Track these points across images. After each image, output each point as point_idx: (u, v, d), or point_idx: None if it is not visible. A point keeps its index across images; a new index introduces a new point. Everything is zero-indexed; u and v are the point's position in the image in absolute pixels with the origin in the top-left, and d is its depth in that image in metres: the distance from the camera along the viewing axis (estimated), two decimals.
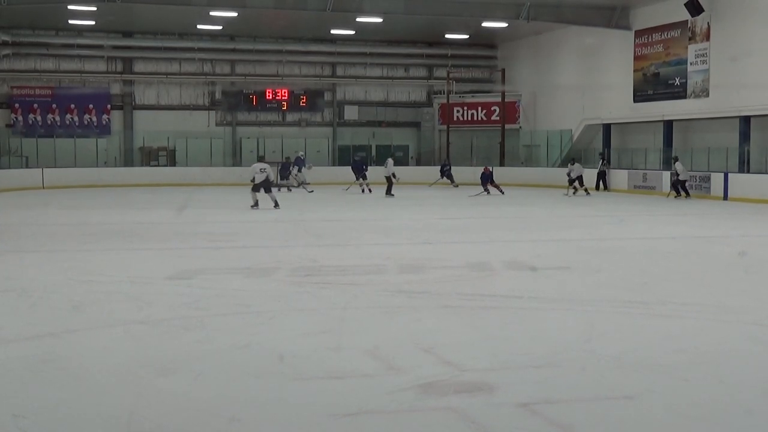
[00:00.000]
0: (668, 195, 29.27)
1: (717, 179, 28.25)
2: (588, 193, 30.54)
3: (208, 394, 6.17)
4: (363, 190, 31.42)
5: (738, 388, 6.40)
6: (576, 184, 30.56)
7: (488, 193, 30.58)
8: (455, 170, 37.54)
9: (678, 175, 28.67)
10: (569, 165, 31.32)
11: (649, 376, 6.63)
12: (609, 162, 35.11)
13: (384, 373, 6.72)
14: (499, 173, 38.10)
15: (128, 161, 40.08)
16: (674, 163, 29.13)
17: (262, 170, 23.13)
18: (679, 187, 28.74)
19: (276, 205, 23.10)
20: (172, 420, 5.65)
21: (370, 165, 40.55)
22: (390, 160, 31.50)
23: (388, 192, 29.31)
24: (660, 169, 31.68)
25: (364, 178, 31.80)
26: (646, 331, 8.39)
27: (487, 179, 31.14)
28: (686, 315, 9.07)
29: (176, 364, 6.95)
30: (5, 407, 5.88)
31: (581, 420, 5.63)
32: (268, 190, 23.33)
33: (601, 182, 34.30)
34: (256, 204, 23.13)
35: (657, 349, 7.50)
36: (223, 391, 6.22)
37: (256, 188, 23.16)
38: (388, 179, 29.86)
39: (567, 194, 30.35)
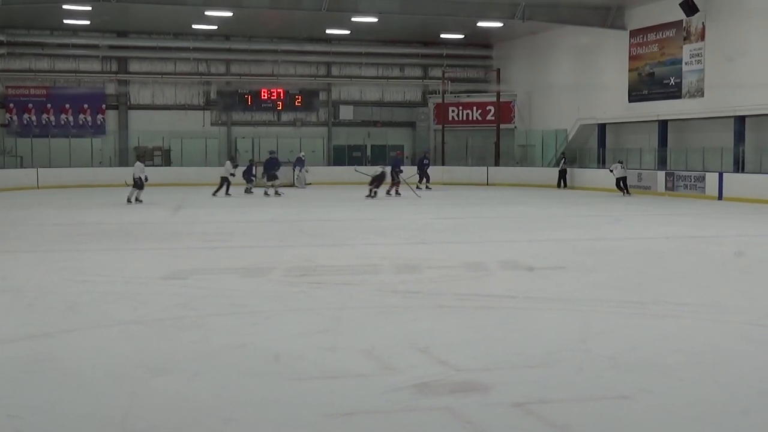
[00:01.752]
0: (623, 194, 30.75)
1: (712, 179, 28.27)
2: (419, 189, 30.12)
3: (203, 394, 6.17)
4: (266, 192, 29.71)
5: (733, 388, 6.41)
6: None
7: (398, 193, 29.73)
8: (449, 169, 37.76)
9: (614, 173, 31.08)
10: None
11: (645, 376, 6.64)
12: (567, 161, 36.09)
13: (379, 372, 6.73)
14: (494, 173, 38.26)
15: (123, 161, 39.98)
16: (615, 163, 31.58)
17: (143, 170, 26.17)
18: (621, 184, 30.67)
19: (129, 200, 25.63)
20: (167, 420, 5.64)
21: (365, 164, 40.75)
22: (228, 162, 30.33)
23: (216, 192, 29.09)
24: (655, 169, 31.72)
25: (275, 178, 30.16)
26: (641, 331, 8.40)
27: (397, 165, 30.65)
28: (682, 315, 9.09)
29: (171, 364, 6.95)
30: (0, 408, 5.87)
31: (576, 420, 5.63)
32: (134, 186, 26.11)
33: (562, 180, 35.54)
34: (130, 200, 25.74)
35: (652, 349, 7.51)
36: (218, 391, 6.22)
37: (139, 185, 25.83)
38: (224, 180, 29.27)
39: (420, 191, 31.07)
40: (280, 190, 30.06)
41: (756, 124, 28.37)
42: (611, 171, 31.22)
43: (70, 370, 6.78)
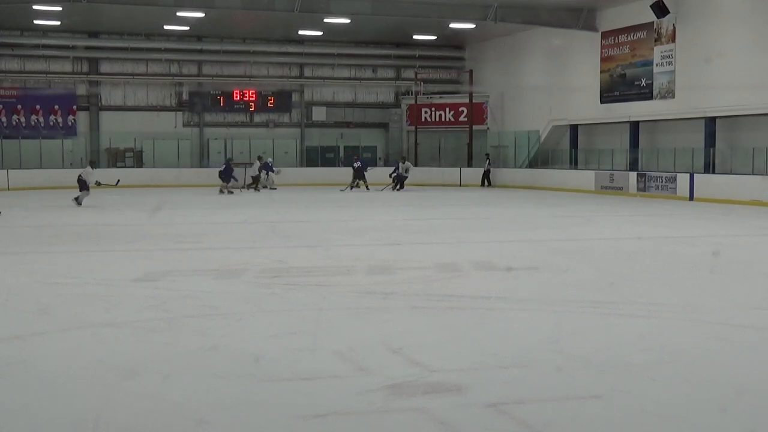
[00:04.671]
0: (393, 188, 34.71)
1: (683, 180, 28.48)
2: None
3: (176, 397, 6.13)
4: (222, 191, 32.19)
5: (706, 387, 6.45)
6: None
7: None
8: (425, 171, 37.94)
9: (398, 171, 34.93)
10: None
11: (617, 376, 6.67)
12: (491, 162, 38.42)
13: (353, 374, 6.72)
14: (467, 174, 38.36)
15: (94, 162, 39.72)
16: (403, 162, 35.54)
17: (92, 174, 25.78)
18: (398, 181, 34.76)
19: (76, 201, 25.12)
20: (140, 422, 5.61)
21: (338, 166, 40.93)
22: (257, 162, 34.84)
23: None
24: (627, 170, 31.91)
25: (228, 181, 32.59)
26: (613, 330, 8.44)
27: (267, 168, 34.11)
28: (653, 315, 9.13)
29: (144, 366, 6.90)
30: None
31: (550, 420, 5.65)
32: (81, 189, 25.39)
33: (486, 180, 37.66)
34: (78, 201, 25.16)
35: (624, 349, 7.54)
36: (190, 394, 6.19)
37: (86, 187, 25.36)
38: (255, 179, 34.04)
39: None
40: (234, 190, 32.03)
41: (726, 125, 28.60)
42: (405, 170, 34.73)
43: (42, 373, 6.72)
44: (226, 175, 32.30)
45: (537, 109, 38.09)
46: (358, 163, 35.41)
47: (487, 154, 38.66)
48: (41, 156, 38.03)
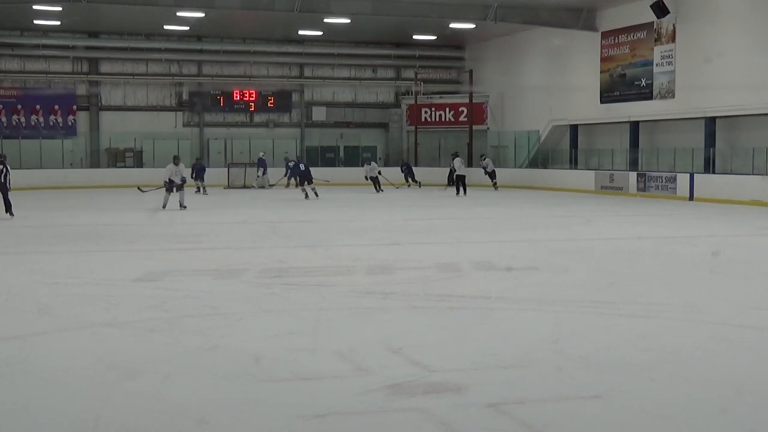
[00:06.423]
0: (444, 187, 34.38)
1: (683, 180, 28.46)
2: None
3: (176, 397, 6.13)
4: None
5: (706, 387, 6.45)
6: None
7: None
8: (421, 170, 38.04)
9: (456, 170, 31.75)
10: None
11: (617, 376, 6.66)
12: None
13: (353, 374, 6.71)
14: (467, 174, 38.34)
15: (95, 163, 39.80)
16: (453, 159, 32.75)
17: (177, 172, 24.20)
18: (458, 182, 31.20)
19: (181, 205, 23.88)
20: (140, 422, 5.61)
21: (338, 166, 40.99)
22: (374, 164, 34.72)
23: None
24: (627, 170, 31.91)
25: (202, 180, 32.50)
26: (613, 330, 8.44)
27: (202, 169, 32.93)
28: (653, 315, 9.13)
29: (144, 366, 6.90)
30: None
31: (550, 420, 5.64)
32: (178, 189, 24.14)
33: (450, 181, 36.68)
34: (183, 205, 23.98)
35: (624, 349, 7.54)
36: (191, 394, 6.19)
37: (170, 189, 24.12)
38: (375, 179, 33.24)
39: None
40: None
41: (726, 125, 28.60)
42: (455, 169, 31.86)
43: (42, 373, 6.72)
44: (302, 174, 31.16)
45: (537, 109, 38.09)
46: (302, 164, 33.07)
47: (455, 153, 38.11)
48: (41, 156, 38.04)
